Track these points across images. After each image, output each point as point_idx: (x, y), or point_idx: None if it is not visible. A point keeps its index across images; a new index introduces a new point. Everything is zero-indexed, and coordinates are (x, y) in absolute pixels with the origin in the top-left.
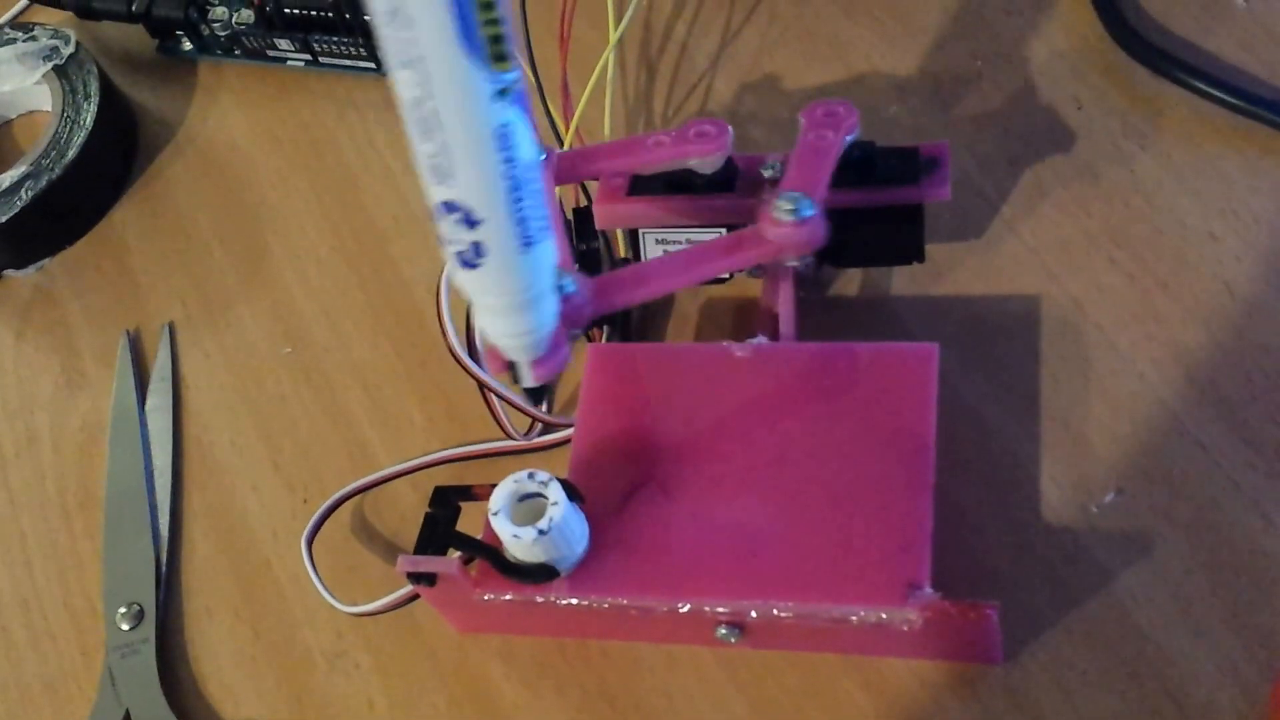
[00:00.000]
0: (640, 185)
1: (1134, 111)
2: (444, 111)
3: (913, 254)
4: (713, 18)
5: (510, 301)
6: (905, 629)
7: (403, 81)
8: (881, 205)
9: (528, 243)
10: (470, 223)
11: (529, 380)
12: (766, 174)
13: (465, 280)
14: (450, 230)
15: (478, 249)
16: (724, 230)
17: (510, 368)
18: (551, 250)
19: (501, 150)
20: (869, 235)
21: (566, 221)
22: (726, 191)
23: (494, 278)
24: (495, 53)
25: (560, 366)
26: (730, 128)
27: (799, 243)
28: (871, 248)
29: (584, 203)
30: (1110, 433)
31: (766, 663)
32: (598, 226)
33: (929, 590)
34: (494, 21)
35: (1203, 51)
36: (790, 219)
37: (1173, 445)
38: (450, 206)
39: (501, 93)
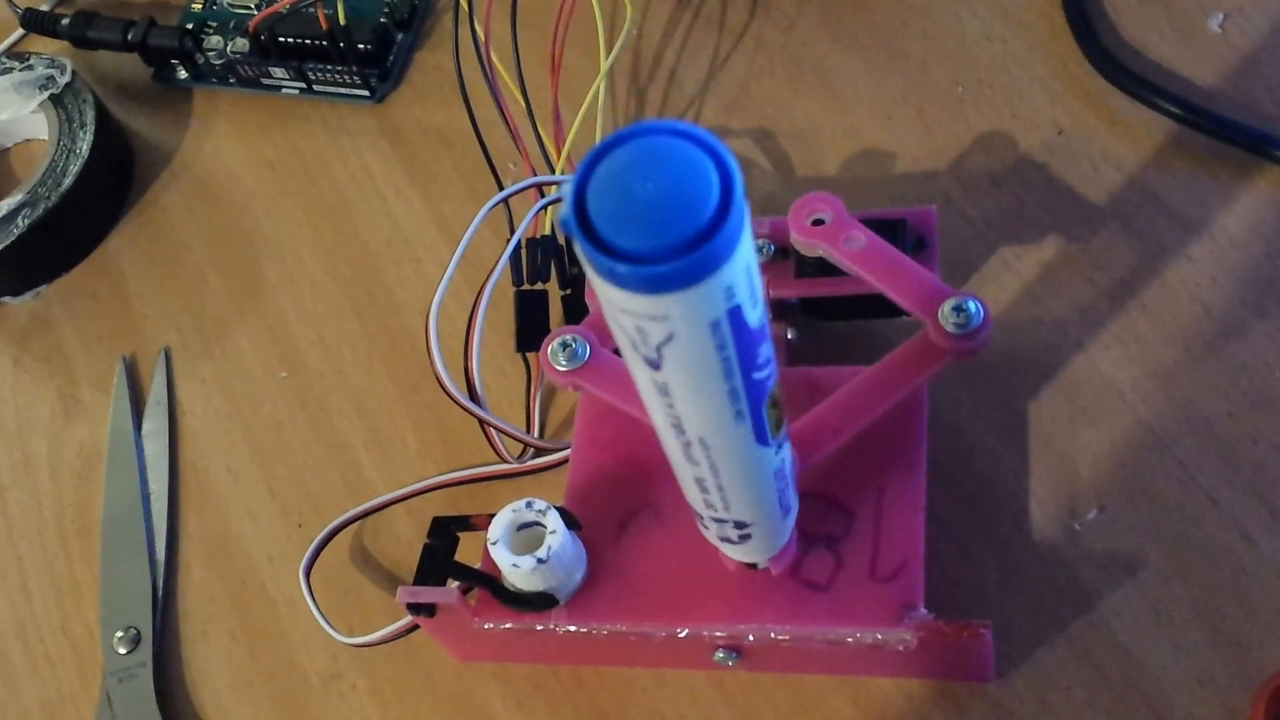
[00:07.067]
0: None
1: (1112, 136)
2: (722, 466)
3: (897, 312)
4: (701, 46)
5: (767, 547)
6: (900, 649)
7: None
8: (869, 294)
9: (786, 512)
10: (740, 525)
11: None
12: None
13: (728, 549)
14: (719, 530)
15: (744, 536)
16: None
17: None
18: (795, 497)
19: (776, 483)
20: (856, 309)
21: (559, 247)
22: None
23: (755, 544)
24: (776, 435)
25: (791, 546)
26: None
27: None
28: (860, 312)
29: None
30: (1092, 451)
31: (757, 682)
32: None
33: (923, 611)
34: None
35: (1178, 76)
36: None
37: (1153, 464)
38: (721, 521)
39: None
